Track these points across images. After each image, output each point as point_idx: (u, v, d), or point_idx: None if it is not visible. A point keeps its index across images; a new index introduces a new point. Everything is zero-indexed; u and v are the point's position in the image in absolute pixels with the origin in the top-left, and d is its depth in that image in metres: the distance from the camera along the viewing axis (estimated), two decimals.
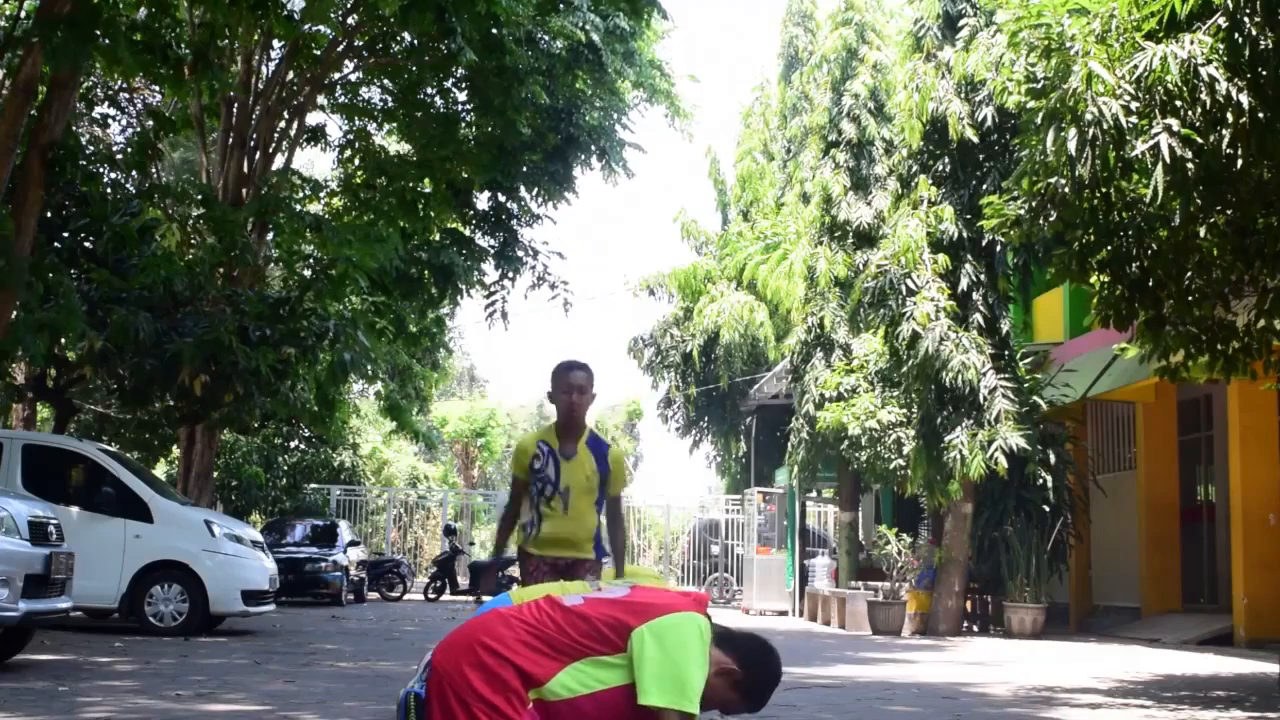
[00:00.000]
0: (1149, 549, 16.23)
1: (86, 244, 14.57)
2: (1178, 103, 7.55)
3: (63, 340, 13.90)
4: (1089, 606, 18.02)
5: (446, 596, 23.93)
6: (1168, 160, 7.32)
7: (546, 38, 17.28)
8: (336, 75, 19.00)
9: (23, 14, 13.82)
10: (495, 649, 3.56)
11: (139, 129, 18.22)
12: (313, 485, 28.60)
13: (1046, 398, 16.04)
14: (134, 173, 16.93)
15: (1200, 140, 7.51)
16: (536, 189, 20.14)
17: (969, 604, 17.03)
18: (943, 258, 15.38)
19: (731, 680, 3.75)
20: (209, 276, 15.41)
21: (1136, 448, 16.79)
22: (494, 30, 15.31)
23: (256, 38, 17.07)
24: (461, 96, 19.08)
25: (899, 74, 16.82)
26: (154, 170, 17.66)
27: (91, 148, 16.48)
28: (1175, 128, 7.43)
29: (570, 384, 5.63)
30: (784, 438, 22.36)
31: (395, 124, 19.81)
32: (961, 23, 15.65)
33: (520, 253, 20.87)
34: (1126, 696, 8.45)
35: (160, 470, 24.69)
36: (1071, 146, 7.72)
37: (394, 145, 20.72)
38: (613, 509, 5.84)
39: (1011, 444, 14.51)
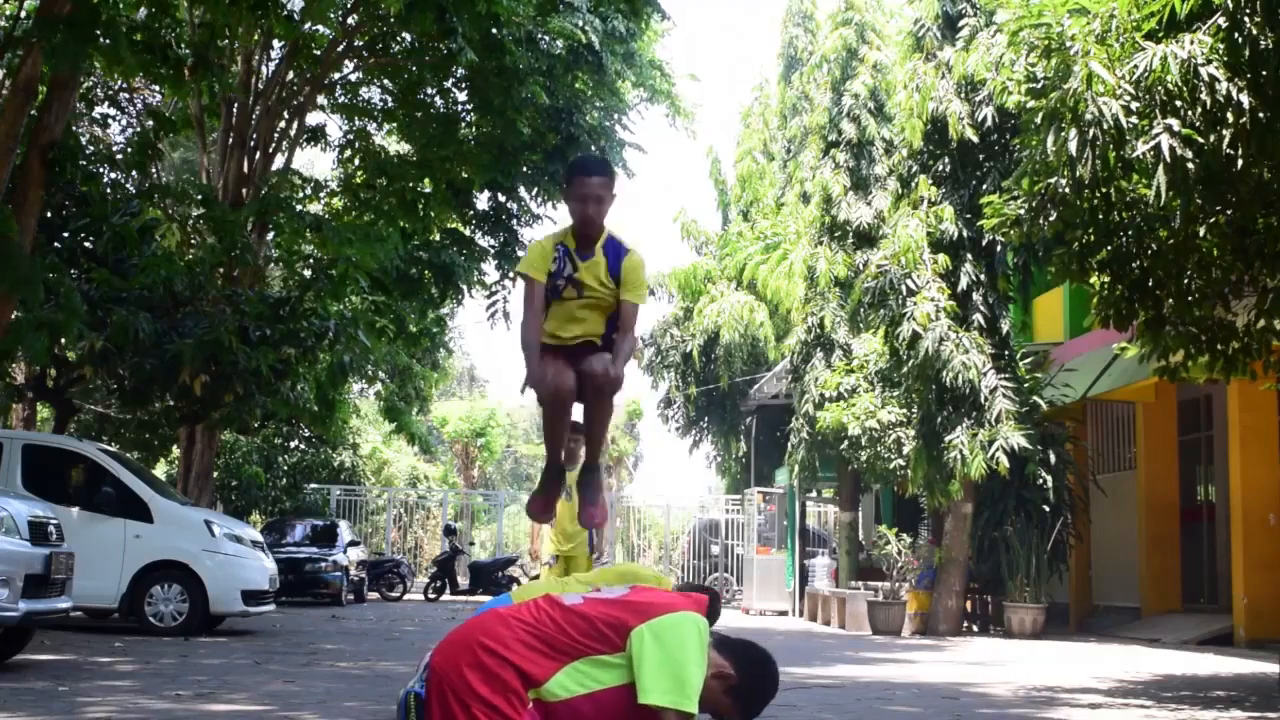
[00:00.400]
0: (1149, 549, 16.24)
1: (86, 244, 14.57)
2: (1178, 103, 7.55)
3: (63, 340, 13.91)
4: (1089, 606, 18.02)
5: (446, 596, 23.93)
6: (1168, 160, 7.32)
7: (547, 38, 17.28)
8: (336, 75, 19.00)
9: (23, 14, 13.81)
10: (494, 649, 3.56)
11: (139, 129, 18.23)
12: (313, 485, 28.61)
13: (1046, 398, 16.04)
14: (134, 173, 16.93)
15: (1200, 140, 7.52)
16: (536, 189, 20.15)
17: (969, 604, 17.03)
18: (943, 258, 15.38)
19: (727, 685, 3.75)
20: (209, 276, 15.41)
21: (1136, 448, 16.79)
22: (494, 30, 15.31)
23: (256, 38, 17.07)
24: (461, 96, 19.09)
25: (899, 74, 16.83)
26: (154, 170, 17.66)
27: (91, 148, 16.48)
28: (1176, 128, 7.43)
29: (586, 192, 4.98)
30: (784, 438, 22.36)
31: (395, 124, 19.82)
32: (961, 23, 15.66)
33: (521, 253, 20.87)
34: (1126, 696, 8.45)
35: (160, 470, 24.69)
36: (1072, 147, 7.72)
37: (394, 145, 20.73)
38: (625, 315, 5.12)
39: (1012, 444, 14.51)
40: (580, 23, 16.76)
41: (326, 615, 17.15)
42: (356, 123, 20.12)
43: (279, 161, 18.12)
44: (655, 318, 31.13)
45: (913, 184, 16.22)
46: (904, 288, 15.09)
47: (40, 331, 11.72)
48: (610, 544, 34.04)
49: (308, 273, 17.95)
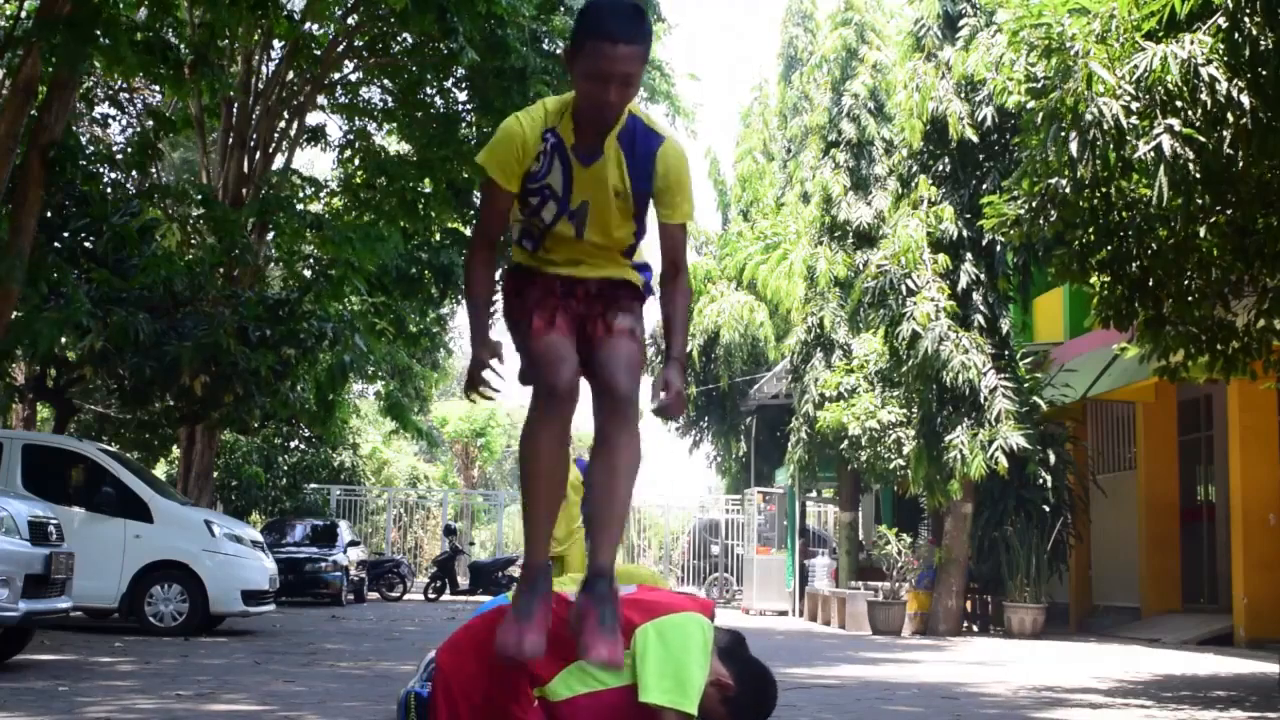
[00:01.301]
0: (1149, 549, 16.24)
1: (86, 244, 14.56)
2: (1178, 103, 7.56)
3: (63, 340, 13.91)
4: (1089, 606, 18.02)
5: (446, 596, 23.93)
6: (1169, 160, 7.32)
7: (548, 39, 17.25)
8: (336, 75, 19.00)
9: (23, 14, 13.81)
10: None
11: (139, 129, 18.23)
12: (313, 485, 28.60)
13: (1046, 398, 16.04)
14: (134, 173, 16.91)
15: (1201, 140, 7.52)
16: None
17: (969, 604, 17.02)
18: (943, 258, 15.38)
19: (724, 695, 3.73)
20: (209, 276, 15.41)
21: (1136, 448, 16.79)
22: (496, 30, 15.29)
23: (256, 38, 17.07)
24: (462, 96, 19.09)
25: (899, 74, 16.83)
26: (154, 170, 17.65)
27: (91, 148, 16.48)
28: (1176, 128, 7.43)
29: (611, 67, 3.23)
30: (784, 438, 22.37)
31: (395, 124, 19.82)
32: (961, 23, 15.66)
33: None
34: (1126, 696, 8.45)
35: (160, 470, 24.68)
36: (1072, 147, 7.73)
37: (394, 145, 20.72)
38: (672, 248, 3.54)
39: (1012, 444, 14.51)
40: None
41: (326, 615, 17.14)
42: (356, 123, 20.12)
43: (279, 161, 18.11)
44: (655, 318, 31.09)
45: (913, 184, 16.22)
46: (904, 288, 15.10)
47: (48, 326, 11.74)
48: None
49: (308, 273, 17.94)
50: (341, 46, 17.82)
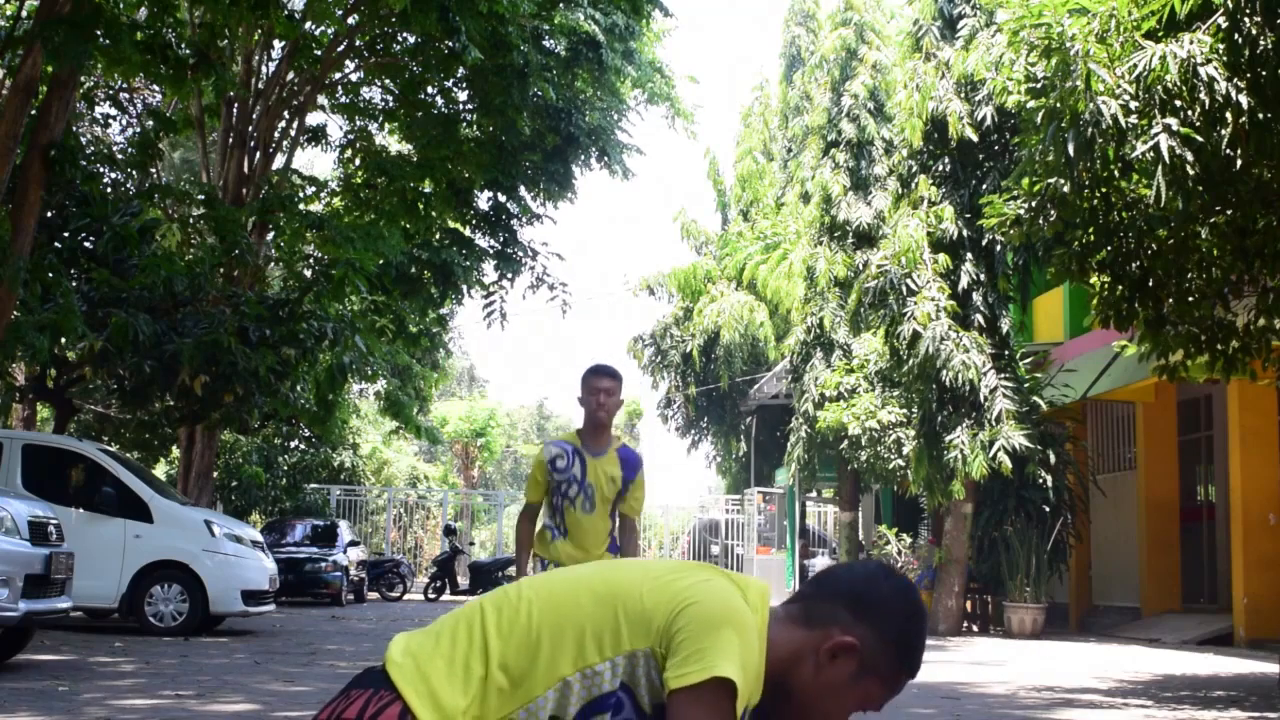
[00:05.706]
0: (1149, 549, 16.24)
1: (86, 244, 14.56)
2: (1177, 102, 7.56)
3: (63, 340, 13.90)
4: (1089, 606, 18.02)
5: (446, 596, 23.93)
6: (1168, 160, 7.32)
7: (550, 37, 17.25)
8: (337, 75, 19.00)
9: (23, 14, 13.81)
10: None
11: (139, 129, 18.23)
12: (313, 485, 28.59)
13: (1046, 398, 16.03)
14: (134, 173, 16.91)
15: (1200, 140, 7.52)
16: (536, 189, 20.15)
17: (969, 604, 17.02)
18: (943, 257, 15.37)
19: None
20: (209, 276, 15.42)
21: (1136, 448, 16.79)
22: (498, 29, 15.28)
23: (256, 38, 17.07)
24: (462, 96, 19.10)
25: (899, 74, 16.83)
26: (154, 170, 17.65)
27: (91, 148, 16.47)
28: (1175, 127, 7.43)
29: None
30: (784, 438, 22.38)
31: (396, 124, 19.82)
32: (961, 23, 15.66)
33: (519, 254, 20.85)
34: (1126, 696, 8.45)
35: (160, 470, 24.68)
36: (1070, 147, 7.73)
37: (395, 145, 20.73)
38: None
39: (1012, 444, 14.50)
40: (583, 17, 16.76)
41: (326, 615, 17.15)
42: (357, 123, 20.12)
43: (279, 161, 18.11)
44: (655, 318, 31.16)
45: (913, 184, 16.21)
46: (904, 287, 15.09)
47: (42, 331, 11.73)
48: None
49: (308, 273, 17.95)
50: (342, 46, 17.83)
